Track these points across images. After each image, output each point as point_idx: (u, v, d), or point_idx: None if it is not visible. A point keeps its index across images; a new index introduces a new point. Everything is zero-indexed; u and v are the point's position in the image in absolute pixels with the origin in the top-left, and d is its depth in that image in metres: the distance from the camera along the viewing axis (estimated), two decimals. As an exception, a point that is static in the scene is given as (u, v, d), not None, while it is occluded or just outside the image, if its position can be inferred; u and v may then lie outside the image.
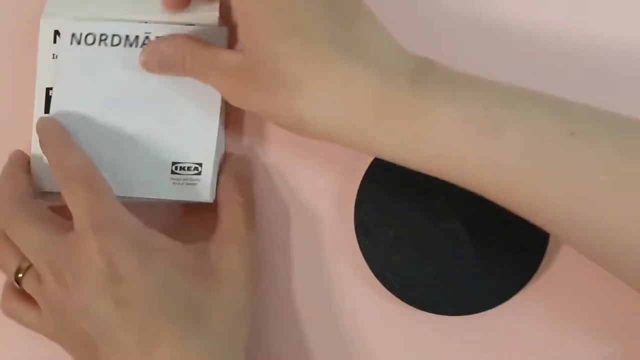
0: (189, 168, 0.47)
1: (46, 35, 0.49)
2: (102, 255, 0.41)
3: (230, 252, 0.45)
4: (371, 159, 0.47)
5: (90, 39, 0.48)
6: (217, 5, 0.47)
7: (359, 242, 0.47)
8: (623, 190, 0.37)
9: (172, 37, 0.46)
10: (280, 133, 0.45)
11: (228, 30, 0.48)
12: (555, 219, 0.39)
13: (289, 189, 0.49)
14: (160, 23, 0.47)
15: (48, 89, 0.48)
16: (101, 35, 0.48)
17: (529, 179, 0.38)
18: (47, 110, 0.48)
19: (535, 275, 0.46)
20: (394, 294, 0.47)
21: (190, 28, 0.47)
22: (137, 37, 0.47)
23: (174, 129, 0.47)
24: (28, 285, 0.45)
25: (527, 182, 0.38)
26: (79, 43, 0.48)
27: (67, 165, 0.45)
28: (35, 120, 0.48)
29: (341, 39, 0.40)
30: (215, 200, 0.48)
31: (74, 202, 0.43)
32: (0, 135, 0.51)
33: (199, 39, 0.45)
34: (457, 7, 0.48)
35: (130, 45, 0.47)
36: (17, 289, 0.46)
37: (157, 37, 0.47)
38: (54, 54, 0.48)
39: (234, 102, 0.44)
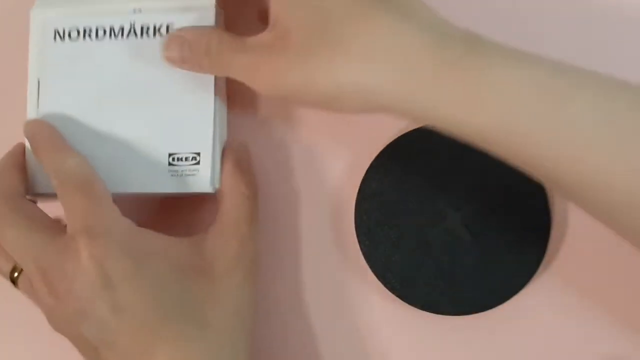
0: (186, 158, 0.45)
1: (37, 26, 0.48)
2: (94, 261, 0.41)
3: (231, 247, 0.44)
4: (371, 159, 0.47)
5: (74, 34, 0.47)
6: None
7: (359, 242, 0.47)
8: None
9: (196, 27, 0.45)
10: (281, 132, 0.45)
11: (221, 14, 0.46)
12: (622, 200, 0.37)
13: (289, 189, 0.50)
14: (154, 9, 0.46)
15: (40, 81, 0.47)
16: (85, 29, 0.47)
17: (597, 152, 0.36)
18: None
19: (535, 275, 0.46)
20: (394, 293, 0.47)
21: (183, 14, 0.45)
22: (122, 27, 0.46)
23: (168, 120, 0.46)
24: (23, 286, 0.44)
25: (595, 155, 0.36)
26: (62, 39, 0.47)
27: (62, 170, 0.43)
28: (29, 113, 0.47)
29: (389, 0, 0.38)
30: (217, 190, 0.46)
31: (70, 207, 0.42)
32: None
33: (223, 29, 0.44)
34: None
35: (116, 36, 0.46)
36: None
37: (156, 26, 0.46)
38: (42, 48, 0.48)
39: (261, 87, 0.41)
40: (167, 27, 0.46)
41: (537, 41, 0.42)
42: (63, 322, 0.42)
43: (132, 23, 0.46)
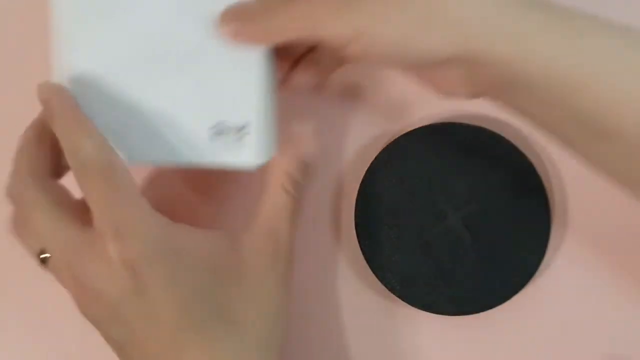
0: (231, 129, 0.41)
1: None
2: (125, 266, 0.38)
3: (267, 249, 0.42)
4: (371, 159, 0.47)
5: None
6: None
7: (359, 242, 0.47)
8: None
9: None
10: (281, 132, 0.45)
11: None
12: None
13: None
14: None
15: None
16: None
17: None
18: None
19: (535, 275, 0.46)
20: (394, 293, 0.47)
21: None
22: None
23: (214, 85, 0.41)
24: (53, 268, 0.41)
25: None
26: None
27: (81, 154, 0.39)
28: (53, 72, 0.42)
29: None
30: (259, 170, 0.43)
31: (92, 199, 0.39)
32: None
33: None
34: None
35: None
36: None
37: None
38: None
39: (328, 26, 0.37)
40: None
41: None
42: (90, 318, 0.40)
43: None
